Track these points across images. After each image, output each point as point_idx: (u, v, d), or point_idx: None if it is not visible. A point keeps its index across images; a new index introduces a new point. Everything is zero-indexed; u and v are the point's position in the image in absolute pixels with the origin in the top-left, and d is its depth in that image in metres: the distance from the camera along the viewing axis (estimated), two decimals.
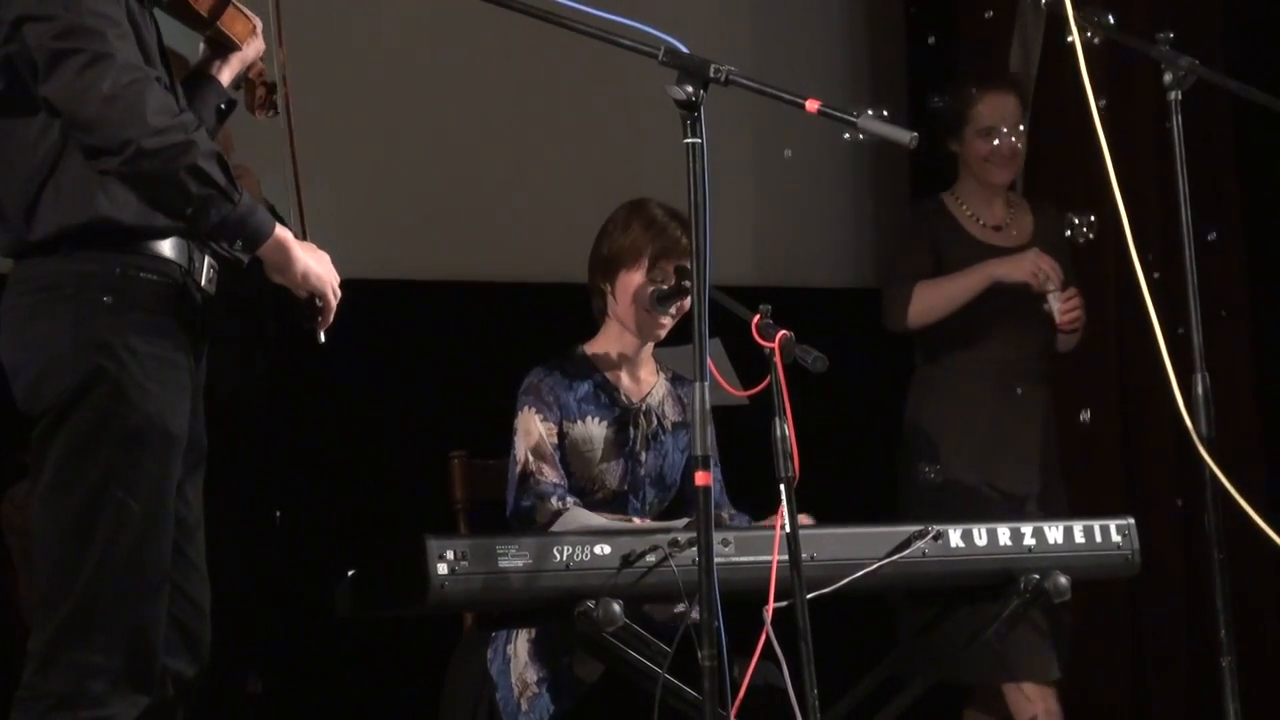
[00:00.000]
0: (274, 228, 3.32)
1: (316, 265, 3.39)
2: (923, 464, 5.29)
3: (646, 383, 4.48)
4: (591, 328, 4.49)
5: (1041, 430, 5.40)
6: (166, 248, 3.31)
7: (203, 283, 3.38)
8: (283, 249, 3.34)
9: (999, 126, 5.33)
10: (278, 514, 5.21)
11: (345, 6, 5.40)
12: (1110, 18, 4.34)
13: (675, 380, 4.47)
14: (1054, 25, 4.56)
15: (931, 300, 5.26)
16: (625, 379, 4.46)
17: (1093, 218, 5.18)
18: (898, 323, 5.34)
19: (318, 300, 3.42)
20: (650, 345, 4.47)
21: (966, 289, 5.26)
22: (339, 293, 3.44)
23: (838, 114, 3.37)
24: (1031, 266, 5.23)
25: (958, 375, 5.35)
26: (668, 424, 4.45)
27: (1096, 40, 4.26)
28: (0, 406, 3.38)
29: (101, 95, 3.14)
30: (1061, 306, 5.22)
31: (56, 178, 3.25)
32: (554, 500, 4.26)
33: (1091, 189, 5.32)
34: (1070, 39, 4.23)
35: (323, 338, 3.46)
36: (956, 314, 5.25)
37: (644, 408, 4.45)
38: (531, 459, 4.32)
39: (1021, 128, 5.37)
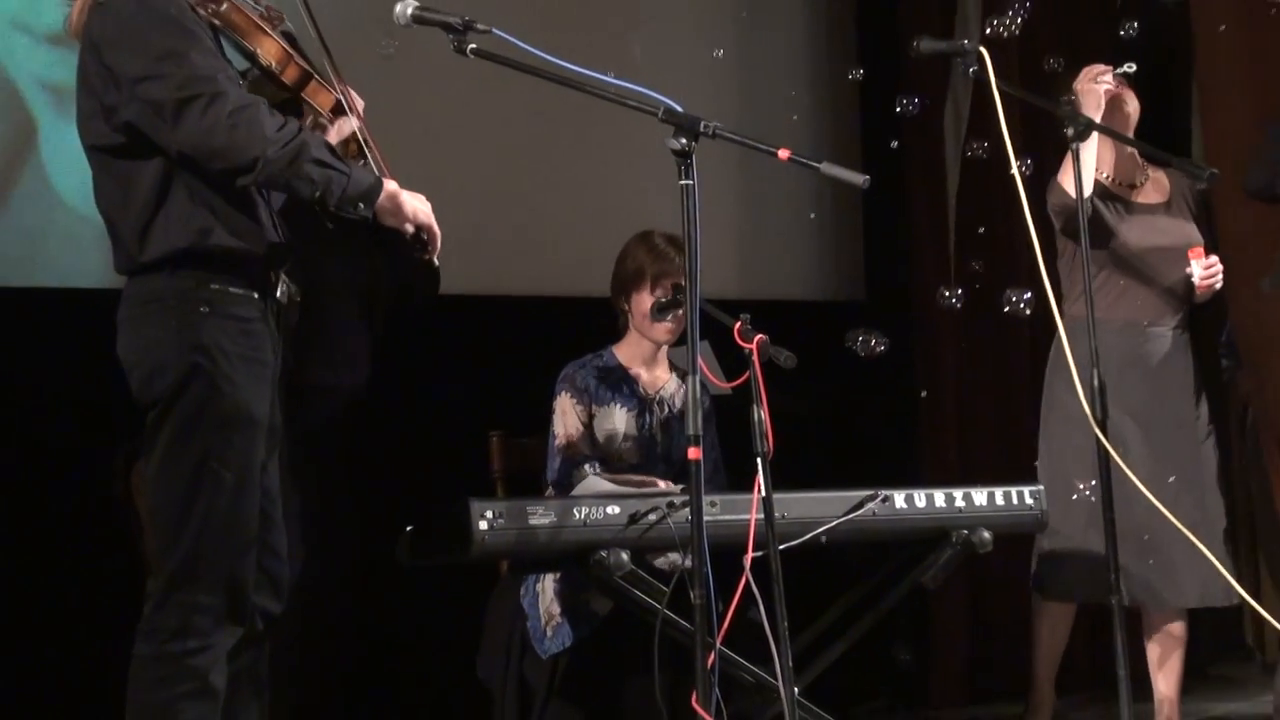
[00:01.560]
0: (383, 183, 3.32)
1: (422, 204, 3.37)
2: (1055, 420, 4.85)
3: (662, 379, 4.60)
4: (596, 335, 4.62)
5: (1177, 395, 4.79)
6: (252, 267, 3.32)
7: (278, 295, 3.37)
8: (393, 197, 3.40)
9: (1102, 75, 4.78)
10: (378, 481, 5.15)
11: (372, 31, 5.23)
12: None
13: (685, 377, 4.45)
14: (980, 91, 4.46)
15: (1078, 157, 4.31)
16: (644, 375, 4.56)
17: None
18: (1059, 180, 4.67)
19: (423, 234, 3.37)
20: (664, 347, 4.50)
21: (1091, 109, 4.57)
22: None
23: (804, 161, 3.34)
24: (1104, 83, 4.62)
25: (1087, 334, 4.60)
26: (678, 412, 4.46)
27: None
28: (123, 397, 3.33)
29: (226, 126, 3.22)
30: (1202, 272, 4.73)
31: (166, 210, 3.35)
32: (585, 466, 4.39)
33: (1014, 231, 5.20)
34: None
35: (437, 261, 3.46)
36: (1092, 273, 4.46)
37: (659, 398, 4.52)
38: (566, 434, 4.43)
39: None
